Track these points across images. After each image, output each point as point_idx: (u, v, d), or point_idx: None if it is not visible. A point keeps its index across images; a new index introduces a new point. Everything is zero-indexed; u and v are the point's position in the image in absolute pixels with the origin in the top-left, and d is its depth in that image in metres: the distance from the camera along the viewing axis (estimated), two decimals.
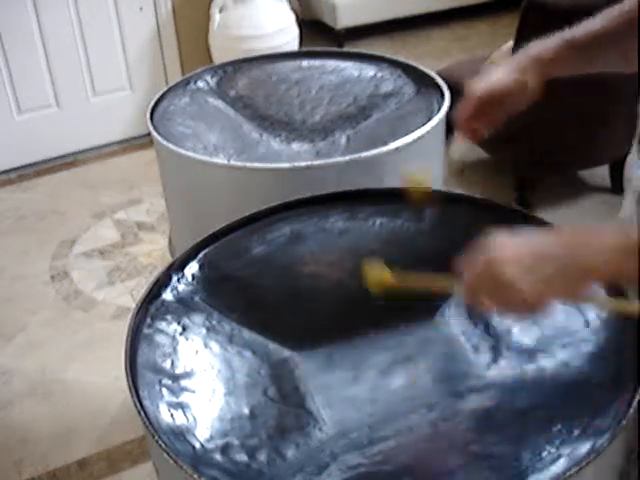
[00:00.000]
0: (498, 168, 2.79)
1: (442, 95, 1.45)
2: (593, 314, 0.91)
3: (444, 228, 1.10)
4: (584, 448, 0.73)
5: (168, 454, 0.74)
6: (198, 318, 0.96)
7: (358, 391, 0.88)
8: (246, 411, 0.83)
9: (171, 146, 1.34)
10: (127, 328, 0.91)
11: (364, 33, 4.00)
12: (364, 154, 1.27)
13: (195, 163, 1.32)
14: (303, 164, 1.29)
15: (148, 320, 0.94)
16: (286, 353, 0.93)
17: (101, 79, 3.23)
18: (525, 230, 0.74)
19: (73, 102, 3.22)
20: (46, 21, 3.03)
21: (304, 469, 0.76)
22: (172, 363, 0.89)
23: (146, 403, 0.81)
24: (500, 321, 0.94)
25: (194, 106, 1.55)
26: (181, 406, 0.83)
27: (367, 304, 1.00)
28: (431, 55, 3.58)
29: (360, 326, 0.96)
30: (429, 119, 1.36)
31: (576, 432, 0.76)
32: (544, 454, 0.74)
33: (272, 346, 0.94)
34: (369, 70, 1.64)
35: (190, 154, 1.33)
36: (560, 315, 0.92)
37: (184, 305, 0.97)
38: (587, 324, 0.90)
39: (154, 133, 1.39)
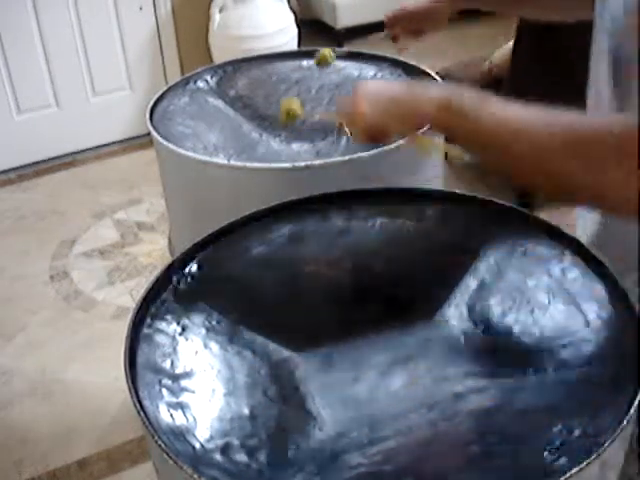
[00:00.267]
0: None
1: None
2: (593, 314, 0.91)
3: (444, 228, 1.10)
4: (584, 448, 0.73)
5: (168, 454, 0.74)
6: (198, 318, 0.96)
7: (358, 391, 0.88)
8: (246, 411, 0.83)
9: (171, 146, 1.34)
10: (127, 328, 0.91)
11: (364, 33, 4.00)
12: (364, 154, 1.27)
13: (195, 163, 1.32)
14: (303, 164, 1.29)
15: (148, 320, 0.94)
16: (286, 353, 0.93)
17: (101, 79, 3.24)
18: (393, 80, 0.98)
19: (73, 102, 3.22)
20: (46, 21, 3.03)
21: (304, 469, 0.76)
22: (172, 363, 0.88)
23: (146, 403, 0.81)
24: (500, 321, 0.94)
25: (194, 106, 1.55)
26: (181, 406, 0.83)
27: (367, 304, 1.00)
28: (431, 55, 3.59)
29: (360, 326, 0.96)
30: None
31: (576, 432, 0.76)
32: (544, 454, 0.74)
33: (272, 346, 0.94)
34: (369, 70, 1.64)
35: (190, 154, 1.33)
36: (560, 315, 0.92)
37: (184, 305, 0.97)
38: (587, 324, 0.90)
39: (154, 133, 1.39)
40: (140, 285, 2.45)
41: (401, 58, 1.65)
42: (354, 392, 0.87)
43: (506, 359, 0.89)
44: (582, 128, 0.74)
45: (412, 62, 1.62)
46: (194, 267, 1.04)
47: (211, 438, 0.79)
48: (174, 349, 0.91)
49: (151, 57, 3.30)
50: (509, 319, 0.94)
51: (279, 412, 0.84)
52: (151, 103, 1.51)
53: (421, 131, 0.95)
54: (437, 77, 1.54)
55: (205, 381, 0.88)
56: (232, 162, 1.35)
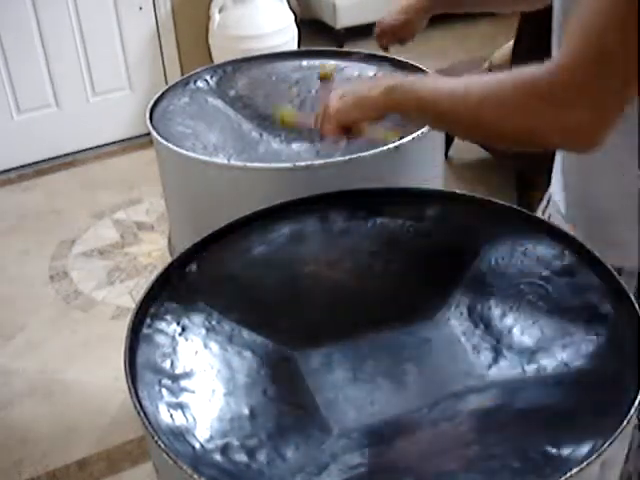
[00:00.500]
0: (498, 168, 2.79)
1: None
2: (593, 314, 0.91)
3: (444, 228, 1.10)
4: (585, 448, 0.73)
5: (168, 454, 0.74)
6: (198, 318, 0.96)
7: (358, 391, 0.88)
8: (246, 411, 0.83)
9: (171, 146, 1.34)
10: (127, 328, 0.91)
11: (364, 33, 4.00)
12: (364, 154, 1.27)
13: (195, 163, 1.32)
14: (303, 164, 1.29)
15: (148, 320, 0.94)
16: (286, 353, 0.93)
17: (100, 79, 3.24)
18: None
19: (72, 102, 3.22)
20: (45, 21, 3.03)
21: (304, 469, 0.76)
22: (172, 363, 0.88)
23: (146, 403, 0.81)
24: (501, 321, 0.94)
25: (194, 106, 1.55)
26: (181, 406, 0.83)
27: (367, 304, 1.00)
28: (431, 55, 3.59)
29: (360, 326, 0.96)
30: None
31: (576, 432, 0.76)
32: (544, 454, 0.74)
33: (272, 346, 0.94)
34: (369, 70, 1.64)
35: (190, 154, 1.33)
36: (560, 315, 0.92)
37: (184, 305, 0.97)
38: (587, 324, 0.90)
39: (154, 133, 1.39)
40: (140, 285, 2.45)
41: (401, 58, 1.64)
42: (354, 392, 0.87)
43: (506, 359, 0.89)
44: (500, 79, 0.85)
45: (412, 62, 1.62)
46: (194, 267, 1.03)
47: (211, 438, 0.79)
48: (174, 349, 0.91)
49: (151, 57, 3.30)
50: (509, 319, 0.94)
51: (279, 412, 0.84)
52: (151, 103, 1.51)
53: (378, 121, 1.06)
54: None
55: (205, 381, 0.88)
56: (232, 162, 1.35)
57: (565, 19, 0.90)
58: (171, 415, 0.81)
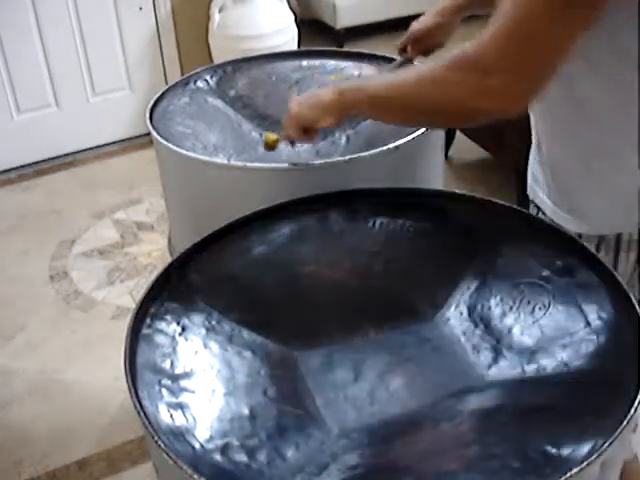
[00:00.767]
0: (498, 168, 2.79)
1: None
2: (593, 314, 0.91)
3: (444, 228, 1.10)
4: (585, 448, 0.73)
5: (168, 454, 0.74)
6: (198, 318, 0.96)
7: (358, 391, 0.88)
8: (246, 411, 0.83)
9: (171, 146, 1.34)
10: (127, 328, 0.91)
11: (364, 33, 4.00)
12: (364, 154, 1.27)
13: (195, 163, 1.32)
14: (303, 164, 1.29)
15: (148, 320, 0.94)
16: (286, 353, 0.93)
17: (100, 79, 3.23)
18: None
19: (72, 102, 3.22)
20: (45, 21, 3.03)
21: (304, 469, 0.76)
22: (172, 363, 0.88)
23: (146, 403, 0.81)
24: (500, 321, 0.94)
25: (194, 106, 1.55)
26: (181, 406, 0.83)
27: (367, 304, 1.00)
28: (431, 55, 3.58)
29: (360, 326, 0.96)
30: None
31: (576, 432, 0.76)
32: (545, 454, 0.74)
33: (272, 346, 0.94)
34: (369, 70, 1.64)
35: (190, 154, 1.33)
36: (560, 315, 0.92)
37: (184, 305, 0.97)
38: (587, 324, 0.90)
39: (154, 133, 1.39)
40: (140, 285, 2.45)
41: (401, 58, 1.64)
42: (354, 392, 0.87)
43: (506, 359, 0.89)
44: (428, 69, 0.95)
45: (412, 62, 1.62)
46: (194, 267, 1.03)
47: (211, 438, 0.79)
48: (174, 349, 0.91)
49: (151, 57, 3.30)
50: (509, 319, 0.94)
51: (279, 412, 0.84)
52: (151, 103, 1.51)
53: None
54: None
55: (205, 381, 0.88)
56: (232, 162, 1.35)
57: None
58: (171, 415, 0.81)
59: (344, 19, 3.95)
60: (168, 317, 0.95)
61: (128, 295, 2.43)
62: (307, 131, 1.15)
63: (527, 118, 1.12)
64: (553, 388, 0.84)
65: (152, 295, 0.97)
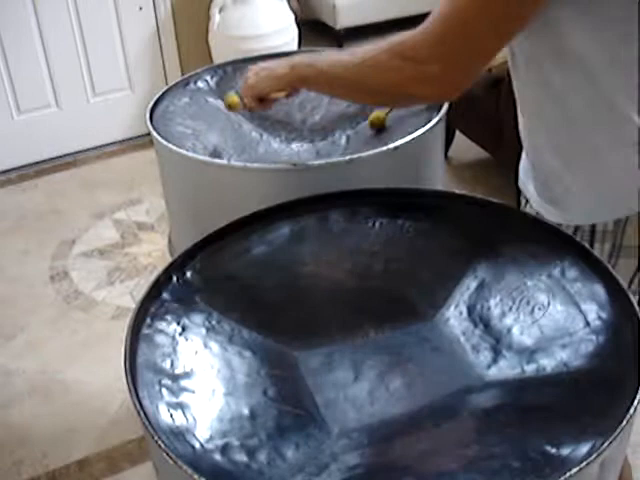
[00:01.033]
0: (498, 168, 2.79)
1: None
2: (593, 314, 0.91)
3: (444, 228, 1.10)
4: (584, 448, 0.73)
5: (167, 454, 0.74)
6: (198, 318, 0.96)
7: (358, 391, 0.88)
8: (246, 411, 0.83)
9: (171, 146, 1.34)
10: (127, 328, 0.91)
11: (364, 33, 4.00)
12: (364, 154, 1.27)
13: (195, 163, 1.32)
14: (303, 164, 1.29)
15: (148, 320, 0.94)
16: (286, 353, 0.93)
17: (101, 79, 3.23)
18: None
19: (73, 102, 3.22)
20: (45, 21, 3.03)
21: (304, 469, 0.76)
22: (172, 363, 0.88)
23: (146, 403, 0.81)
24: (500, 321, 0.94)
25: (194, 106, 1.55)
26: (181, 406, 0.83)
27: (367, 304, 1.00)
28: None
29: (360, 326, 0.96)
30: (429, 119, 1.36)
31: (576, 432, 0.76)
32: (544, 454, 0.74)
33: (272, 346, 0.94)
34: None
35: (190, 154, 1.33)
36: (559, 315, 0.92)
37: (184, 305, 0.97)
38: (587, 324, 0.90)
39: (154, 133, 1.39)
40: (140, 285, 2.45)
41: None
42: (354, 392, 0.87)
43: (506, 359, 0.89)
44: (379, 45, 1.01)
45: None
46: (194, 267, 1.04)
47: (211, 438, 0.79)
48: (174, 349, 0.91)
49: (151, 57, 3.30)
50: (509, 319, 0.94)
51: (279, 412, 0.84)
52: (151, 103, 1.51)
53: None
54: None
55: (205, 381, 0.88)
56: (232, 162, 1.35)
57: None
58: (171, 415, 0.81)
59: (344, 19, 3.95)
60: (168, 317, 0.95)
61: (128, 295, 2.43)
62: (262, 100, 1.25)
63: None
64: (553, 388, 0.84)
65: (152, 295, 0.97)
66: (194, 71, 1.66)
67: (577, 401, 0.81)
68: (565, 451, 0.74)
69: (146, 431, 0.77)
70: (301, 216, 1.13)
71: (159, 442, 0.75)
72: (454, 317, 0.96)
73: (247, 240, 1.09)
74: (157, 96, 1.54)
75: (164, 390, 0.84)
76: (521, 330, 0.92)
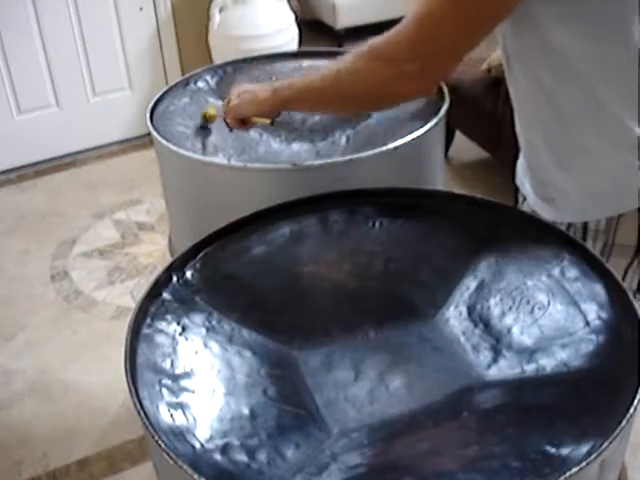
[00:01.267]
0: (498, 168, 2.79)
1: (442, 95, 1.45)
2: (593, 314, 0.91)
3: (444, 228, 1.10)
4: (584, 448, 0.73)
5: (168, 454, 0.74)
6: (198, 318, 0.96)
7: (358, 391, 0.88)
8: (246, 411, 0.83)
9: (171, 146, 1.34)
10: (127, 328, 0.91)
11: (364, 33, 4.00)
12: (364, 154, 1.27)
13: (195, 163, 1.32)
14: (303, 164, 1.29)
15: (148, 320, 0.94)
16: (286, 353, 0.93)
17: (101, 79, 3.23)
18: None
19: (73, 102, 3.22)
20: (46, 21, 3.03)
21: (304, 469, 0.76)
22: (172, 363, 0.89)
23: (146, 403, 0.81)
24: (500, 321, 0.94)
25: (194, 106, 1.55)
26: (181, 406, 0.83)
27: (367, 304, 1.00)
28: None
29: (360, 326, 0.96)
30: (429, 119, 1.36)
31: (576, 433, 0.76)
32: (544, 454, 0.74)
33: (272, 346, 0.94)
34: None
35: (190, 154, 1.33)
36: (559, 315, 0.92)
37: (184, 305, 0.97)
38: (587, 324, 0.90)
39: (154, 133, 1.39)
40: (140, 285, 2.45)
41: None
42: (354, 392, 0.87)
43: (506, 359, 0.89)
44: (354, 52, 1.04)
45: None
46: (194, 267, 1.04)
47: (211, 438, 0.79)
48: (174, 349, 0.91)
49: (151, 57, 3.30)
50: (509, 319, 0.94)
51: (279, 412, 0.84)
52: (151, 103, 1.51)
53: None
54: None
55: (205, 381, 0.88)
56: (232, 162, 1.35)
57: None
58: (171, 415, 0.81)
59: (344, 19, 3.95)
60: (168, 317, 0.95)
61: (128, 295, 2.43)
62: (243, 122, 1.28)
63: None
64: (553, 388, 0.84)
65: (152, 295, 0.97)
66: (194, 71, 1.66)
67: (577, 401, 0.81)
68: (565, 451, 0.74)
69: (146, 431, 0.77)
70: (301, 216, 1.13)
71: (159, 442, 0.75)
72: (454, 317, 0.96)
73: (247, 240, 1.09)
74: (157, 96, 1.54)
75: (164, 390, 0.84)
76: (521, 330, 0.92)
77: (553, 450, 0.74)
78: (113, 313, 2.35)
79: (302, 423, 0.83)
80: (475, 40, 0.97)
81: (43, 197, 3.01)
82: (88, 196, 2.99)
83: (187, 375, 0.87)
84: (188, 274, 1.02)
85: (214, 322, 0.95)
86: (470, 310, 0.96)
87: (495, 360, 0.89)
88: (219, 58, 3.18)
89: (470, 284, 0.99)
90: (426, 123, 1.34)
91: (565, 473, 0.70)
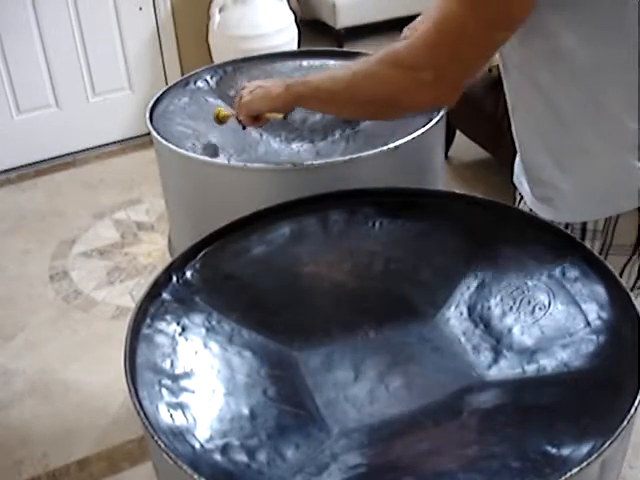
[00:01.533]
0: (498, 168, 2.79)
1: None
2: (593, 314, 0.91)
3: (444, 228, 1.10)
4: (585, 449, 0.73)
5: (167, 454, 0.74)
6: (198, 318, 0.96)
7: (358, 391, 0.88)
8: (246, 411, 0.83)
9: (171, 146, 1.34)
10: (127, 328, 0.91)
11: (364, 33, 4.00)
12: (364, 154, 1.27)
13: (195, 163, 1.32)
14: (303, 164, 1.29)
15: (148, 320, 0.94)
16: (286, 353, 0.93)
17: (100, 79, 3.23)
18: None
19: (72, 102, 3.22)
20: (45, 21, 3.03)
21: (304, 469, 0.76)
22: (172, 363, 0.88)
23: (145, 403, 0.81)
24: (501, 321, 0.94)
25: (194, 106, 1.55)
26: (181, 406, 0.83)
27: (367, 304, 1.00)
28: None
29: (360, 326, 0.96)
30: (429, 119, 1.36)
31: (577, 433, 0.76)
32: (544, 455, 0.74)
33: (272, 346, 0.94)
34: None
35: (190, 154, 1.33)
36: (560, 315, 0.92)
37: (184, 305, 0.97)
38: (587, 324, 0.90)
39: (154, 133, 1.39)
40: (140, 285, 2.45)
41: None
42: (354, 392, 0.87)
43: (506, 359, 0.89)
44: (371, 56, 1.04)
45: None
46: (194, 267, 1.03)
47: (211, 438, 0.79)
48: (174, 349, 0.91)
49: (151, 57, 3.30)
50: (509, 319, 0.94)
51: (279, 412, 0.84)
52: (151, 103, 1.51)
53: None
54: None
55: (205, 381, 0.88)
56: (232, 162, 1.35)
57: None
58: (171, 415, 0.81)
59: (344, 19, 3.95)
60: (168, 317, 0.95)
61: (128, 295, 2.43)
62: (256, 118, 1.27)
63: None
64: (553, 388, 0.84)
65: (152, 295, 0.97)
66: (194, 71, 1.66)
67: (577, 401, 0.81)
68: (565, 451, 0.74)
69: (146, 431, 0.77)
70: (301, 216, 1.13)
71: (159, 442, 0.75)
72: (454, 317, 0.96)
73: (247, 240, 1.09)
74: (157, 96, 1.54)
75: (164, 390, 0.84)
76: (522, 330, 0.92)
77: (553, 450, 0.74)
78: (113, 313, 2.35)
79: (302, 423, 0.83)
80: (495, 45, 0.96)
81: (43, 197, 3.01)
82: (88, 196, 2.99)
83: (187, 375, 0.87)
84: (188, 274, 1.02)
85: (214, 322, 0.95)
86: (470, 310, 0.96)
87: (495, 360, 0.89)
88: (219, 58, 3.18)
89: (470, 284, 0.99)
90: (426, 123, 1.34)
91: (565, 473, 0.70)
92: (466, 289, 0.99)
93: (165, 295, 0.98)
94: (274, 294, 1.02)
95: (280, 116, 1.25)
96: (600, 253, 1.09)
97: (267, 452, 0.78)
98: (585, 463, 0.70)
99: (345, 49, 2.31)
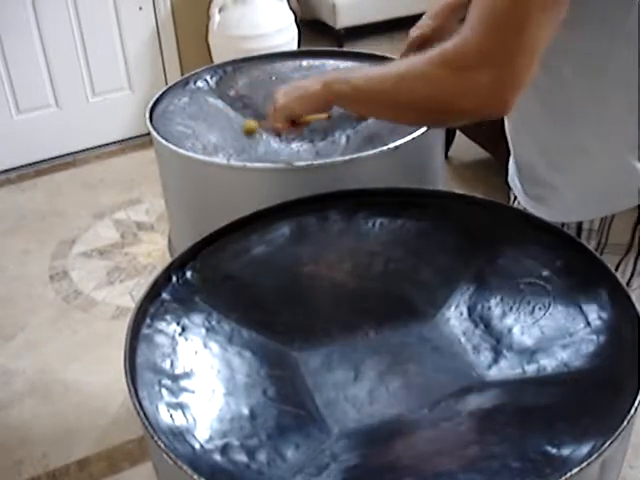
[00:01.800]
0: (498, 168, 2.79)
1: None
2: (593, 314, 0.91)
3: (444, 228, 1.10)
4: (585, 449, 0.73)
5: (167, 454, 0.74)
6: (198, 318, 0.96)
7: (358, 391, 0.88)
8: (246, 411, 0.83)
9: (171, 146, 1.34)
10: (127, 328, 0.91)
11: (364, 33, 4.00)
12: (364, 154, 1.27)
13: (195, 163, 1.32)
14: (303, 164, 1.29)
15: (147, 320, 0.94)
16: (286, 353, 0.93)
17: (100, 79, 3.23)
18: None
19: (72, 102, 3.22)
20: (45, 21, 3.03)
21: (304, 469, 0.76)
22: (171, 363, 0.88)
23: (145, 403, 0.81)
24: (501, 321, 0.94)
25: (194, 106, 1.55)
26: (180, 406, 0.83)
27: (367, 304, 1.00)
28: None
29: (360, 326, 0.96)
30: None
31: (577, 433, 0.76)
32: (544, 455, 0.74)
33: (272, 346, 0.94)
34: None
35: (190, 154, 1.33)
36: (560, 315, 0.92)
37: (184, 305, 0.97)
38: (587, 324, 0.90)
39: (153, 133, 1.39)
40: (140, 285, 2.45)
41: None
42: (354, 392, 0.87)
43: (506, 359, 0.89)
44: (418, 56, 0.93)
45: None
46: (194, 267, 1.03)
47: (211, 438, 0.79)
48: (174, 349, 0.91)
49: (151, 57, 3.30)
50: (509, 319, 0.94)
51: (279, 412, 0.84)
52: (151, 103, 1.51)
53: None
54: None
55: (205, 381, 0.88)
56: (232, 162, 1.35)
57: None
58: (171, 415, 0.81)
59: (344, 19, 3.95)
60: (168, 317, 0.95)
61: (128, 295, 2.43)
62: (294, 123, 1.17)
63: None
64: (553, 388, 0.84)
65: (152, 295, 0.97)
66: (194, 71, 1.66)
67: (578, 401, 0.81)
68: (565, 451, 0.74)
69: (146, 431, 0.77)
70: (301, 216, 1.13)
71: (159, 442, 0.75)
72: (454, 317, 0.96)
73: (247, 240, 1.09)
74: (157, 96, 1.54)
75: (164, 390, 0.84)
76: (522, 330, 0.92)
77: (553, 450, 0.74)
78: (113, 313, 2.35)
79: (302, 423, 0.83)
80: (546, 34, 0.85)
81: (43, 197, 3.01)
82: (88, 196, 2.99)
83: (187, 375, 0.87)
84: (188, 274, 1.02)
85: (214, 322, 0.95)
86: (470, 310, 0.96)
87: (496, 360, 0.89)
88: (219, 58, 3.18)
89: (470, 284, 0.99)
90: None
91: (566, 473, 0.70)
92: (466, 289, 0.99)
93: (165, 295, 0.98)
94: (274, 294, 1.01)
95: (323, 116, 1.15)
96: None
97: (267, 452, 0.78)
98: (585, 463, 0.70)
99: (345, 49, 2.31)
